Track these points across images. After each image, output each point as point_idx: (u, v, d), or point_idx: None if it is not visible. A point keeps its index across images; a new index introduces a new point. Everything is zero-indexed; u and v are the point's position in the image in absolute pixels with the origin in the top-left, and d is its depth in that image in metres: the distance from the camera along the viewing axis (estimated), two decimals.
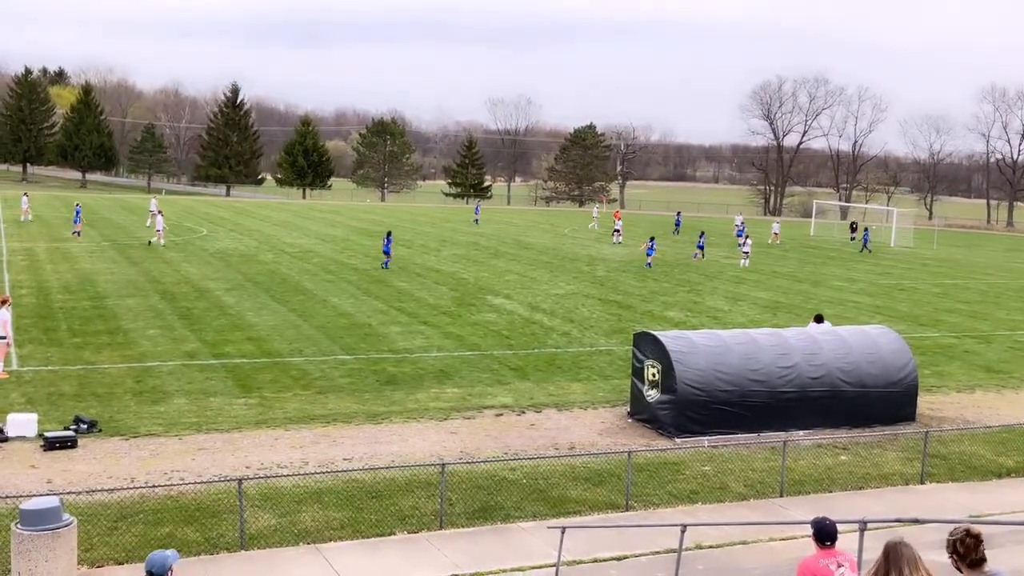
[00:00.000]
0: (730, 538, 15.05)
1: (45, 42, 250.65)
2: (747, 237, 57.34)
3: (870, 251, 66.28)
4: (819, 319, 25.13)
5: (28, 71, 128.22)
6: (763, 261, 56.45)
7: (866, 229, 70.53)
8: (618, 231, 66.67)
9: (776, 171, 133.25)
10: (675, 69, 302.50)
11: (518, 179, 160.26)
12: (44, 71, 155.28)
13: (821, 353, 21.54)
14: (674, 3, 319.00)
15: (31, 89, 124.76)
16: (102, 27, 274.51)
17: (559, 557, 13.43)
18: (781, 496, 17.24)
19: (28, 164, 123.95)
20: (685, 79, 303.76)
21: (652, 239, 53.87)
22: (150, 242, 50.08)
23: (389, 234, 47.35)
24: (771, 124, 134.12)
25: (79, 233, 53.14)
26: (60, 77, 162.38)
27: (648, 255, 51.49)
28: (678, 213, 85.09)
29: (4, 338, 23.00)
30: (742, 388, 20.44)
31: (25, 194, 66.85)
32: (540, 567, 13.70)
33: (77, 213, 55.26)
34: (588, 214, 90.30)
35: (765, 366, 20.81)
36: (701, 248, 56.88)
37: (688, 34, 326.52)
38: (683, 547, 11.81)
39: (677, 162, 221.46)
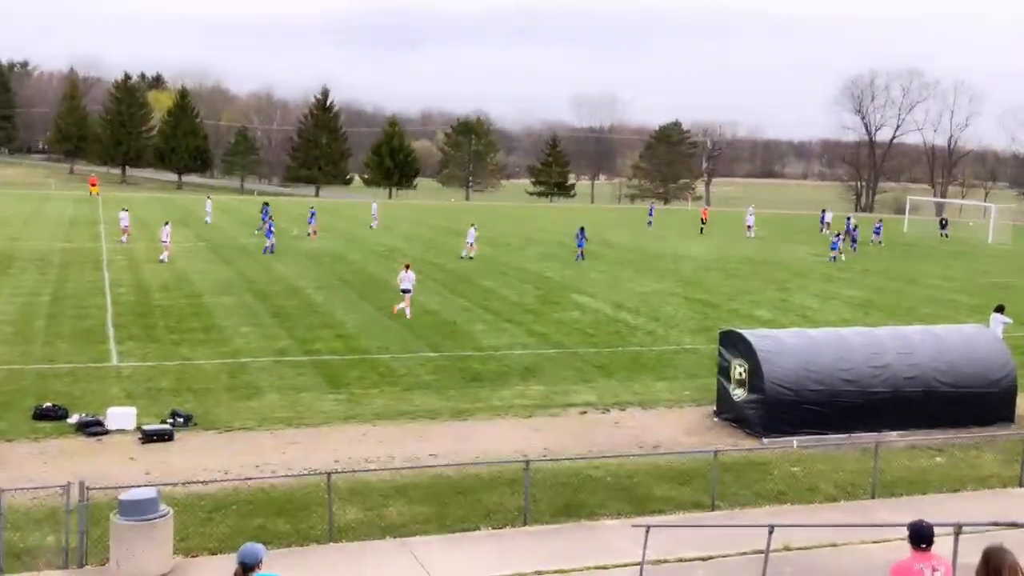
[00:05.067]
0: (819, 540, 14.74)
1: (143, 49, 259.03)
2: (840, 233, 56.36)
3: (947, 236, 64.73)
4: (1000, 309, 26.69)
5: (127, 77, 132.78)
6: (855, 258, 55.13)
7: (944, 221, 69.03)
8: (750, 227, 68.12)
9: (868, 167, 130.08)
10: (763, 64, 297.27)
11: (602, 177, 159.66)
12: (142, 76, 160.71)
13: (916, 352, 20.96)
14: None
15: (130, 94, 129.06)
16: (198, 33, 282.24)
17: (643, 556, 13.34)
18: (873, 498, 16.83)
19: (127, 167, 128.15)
20: (773, 73, 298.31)
21: (838, 235, 55.97)
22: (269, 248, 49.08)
23: (583, 229, 51.12)
24: (863, 119, 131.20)
25: (315, 233, 56.44)
26: (157, 82, 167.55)
27: (832, 249, 53.81)
28: (823, 211, 79.61)
29: (408, 291, 31.46)
30: (832, 388, 20.02)
31: (208, 197, 70.50)
32: (624, 565, 13.63)
33: (312, 215, 59.10)
34: (677, 211, 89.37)
35: (856, 365, 20.35)
36: (836, 249, 55.03)
37: (776, 27, 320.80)
38: (771, 548, 11.63)
39: (765, 158, 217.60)
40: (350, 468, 16.94)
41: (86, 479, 13.63)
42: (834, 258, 53.45)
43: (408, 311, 31.54)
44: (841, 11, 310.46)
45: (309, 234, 57.14)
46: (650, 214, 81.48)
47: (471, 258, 47.93)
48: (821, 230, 71.58)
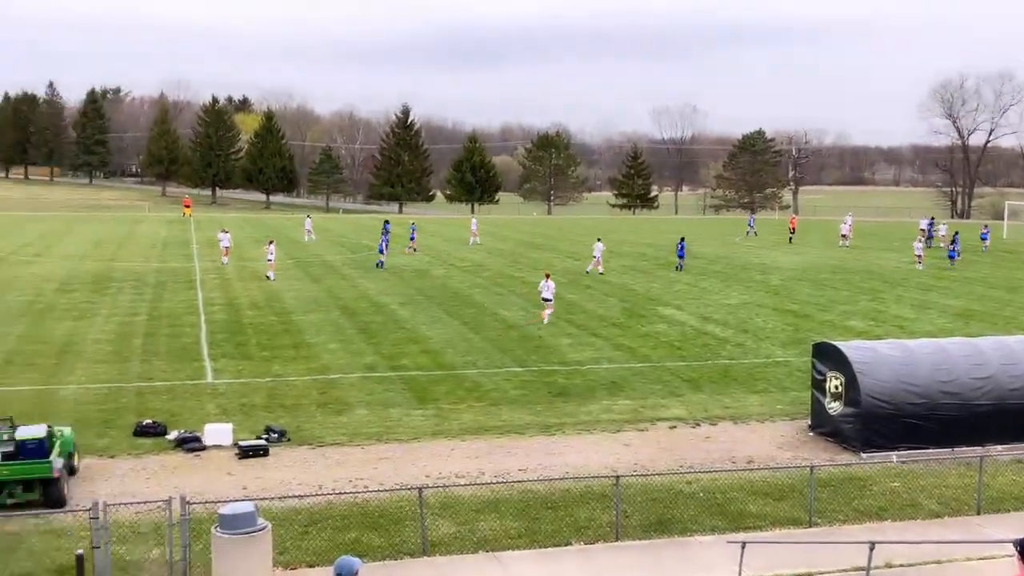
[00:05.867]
0: (923, 557, 14.29)
1: (230, 72, 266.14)
2: (954, 241, 55.61)
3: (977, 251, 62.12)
4: None
5: (215, 100, 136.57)
6: (956, 266, 53.51)
7: (986, 227, 66.62)
8: (845, 236, 67.24)
9: (962, 172, 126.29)
10: (848, 69, 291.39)
11: (685, 188, 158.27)
12: (229, 99, 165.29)
13: (1021, 363, 20.22)
14: (844, 1, 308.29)
15: (218, 117, 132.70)
16: (282, 56, 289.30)
17: (740, 572, 13.11)
18: (978, 514, 16.28)
19: (217, 188, 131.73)
20: (859, 79, 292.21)
21: (953, 242, 56.08)
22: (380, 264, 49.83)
23: (683, 240, 51.75)
24: (954, 123, 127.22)
25: (414, 249, 57.95)
26: (244, 105, 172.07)
27: (950, 258, 54.15)
28: (932, 219, 75.82)
29: (549, 300, 32.82)
30: (932, 400, 19.44)
31: (308, 216, 72.85)
32: None
33: (413, 230, 61.15)
34: (764, 220, 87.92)
35: (957, 377, 19.73)
36: (954, 258, 54.50)
37: (861, 32, 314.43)
38: (872, 565, 11.31)
39: (853, 165, 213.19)
40: (440, 483, 17.04)
41: (187, 494, 13.97)
42: (952, 262, 53.32)
43: (547, 318, 33.15)
44: (927, 13, 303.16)
45: (408, 249, 58.19)
46: (750, 224, 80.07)
47: (601, 273, 47.49)
48: (922, 239, 67.74)
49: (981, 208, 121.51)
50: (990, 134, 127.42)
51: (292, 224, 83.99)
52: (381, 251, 50.23)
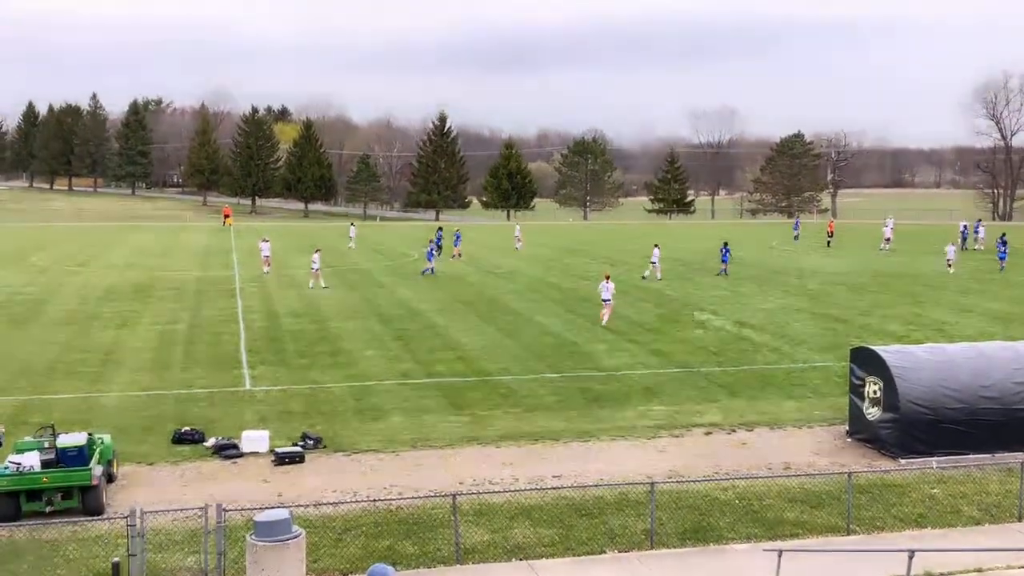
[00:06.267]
0: (964, 565, 14.06)
1: (269, 83, 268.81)
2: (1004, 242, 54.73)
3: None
4: None
5: (255, 110, 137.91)
6: (993, 269, 52.68)
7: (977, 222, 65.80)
8: (888, 240, 66.63)
9: (1004, 173, 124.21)
10: (887, 70, 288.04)
11: (723, 192, 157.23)
12: (268, 109, 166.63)
13: None
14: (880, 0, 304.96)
15: (258, 127, 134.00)
16: (320, 66, 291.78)
17: None
18: (1019, 521, 16.01)
19: (256, 197, 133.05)
20: (899, 80, 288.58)
21: (1003, 235, 56.15)
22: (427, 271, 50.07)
23: (726, 244, 51.54)
24: (997, 123, 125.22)
25: (460, 255, 58.42)
26: (283, 114, 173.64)
27: (1001, 259, 53.01)
28: (979, 221, 74.72)
29: (608, 301, 34.02)
30: (972, 405, 19.14)
31: (352, 224, 73.54)
32: None
33: (457, 238, 61.66)
34: (802, 224, 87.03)
35: (998, 382, 19.41)
36: (1004, 259, 53.38)
37: (899, 33, 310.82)
38: (911, 573, 11.15)
39: (894, 167, 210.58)
40: (475, 490, 17.05)
41: (223, 501, 14.13)
42: (1002, 268, 52.25)
43: (606, 318, 34.16)
44: (966, 12, 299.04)
45: (454, 256, 58.71)
46: (795, 228, 79.37)
47: (659, 278, 47.33)
48: (961, 242, 66.40)
49: (1023, 210, 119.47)
50: None
51: (330, 232, 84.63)
52: (429, 258, 50.65)
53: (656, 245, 50.08)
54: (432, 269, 49.76)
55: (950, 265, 51.54)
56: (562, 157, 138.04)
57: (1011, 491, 16.82)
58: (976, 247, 66.71)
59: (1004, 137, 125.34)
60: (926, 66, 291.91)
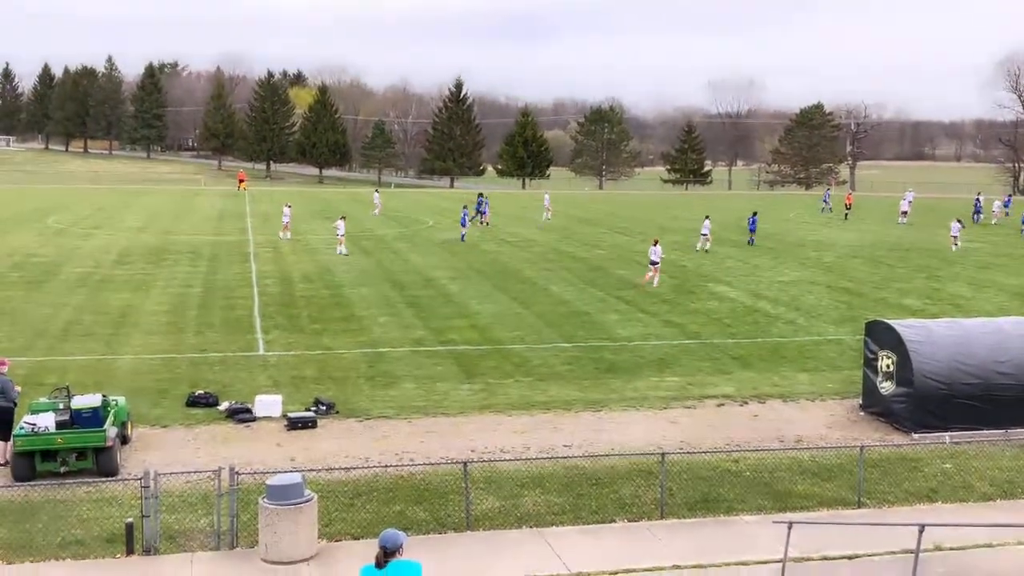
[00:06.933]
0: (974, 540, 14.03)
1: (285, 47, 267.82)
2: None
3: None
4: None
5: (270, 75, 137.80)
6: (1013, 244, 52.25)
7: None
8: (905, 213, 66.04)
9: None
10: (909, 41, 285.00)
11: (740, 163, 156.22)
12: (284, 74, 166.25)
13: None
14: None
15: (273, 91, 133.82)
16: (336, 31, 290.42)
17: (786, 552, 12.99)
18: None
19: (271, 162, 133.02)
20: (921, 51, 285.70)
21: None
22: (460, 240, 50.39)
23: (755, 214, 52.60)
24: (1020, 97, 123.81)
25: (487, 223, 59.22)
26: (298, 79, 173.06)
27: None
28: (1008, 196, 74.07)
29: (656, 264, 35.54)
30: (987, 381, 19.03)
31: (376, 191, 73.67)
32: (765, 562, 13.31)
33: (485, 204, 61.88)
34: (820, 196, 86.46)
35: (1014, 357, 19.28)
36: None
37: (922, 4, 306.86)
38: (921, 548, 11.12)
39: (914, 140, 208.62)
40: (486, 457, 17.10)
41: (236, 464, 14.20)
42: None
43: (656, 280, 35.74)
44: None
45: (483, 223, 59.20)
46: (825, 200, 78.67)
47: (706, 251, 47.18)
48: (974, 216, 66.16)
49: None
50: None
51: (345, 198, 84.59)
52: (464, 224, 51.41)
53: (707, 216, 49.78)
54: (464, 236, 50.40)
55: (955, 243, 49.35)
56: (578, 126, 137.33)
57: None
58: (993, 222, 66.17)
59: None
60: (948, 38, 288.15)
